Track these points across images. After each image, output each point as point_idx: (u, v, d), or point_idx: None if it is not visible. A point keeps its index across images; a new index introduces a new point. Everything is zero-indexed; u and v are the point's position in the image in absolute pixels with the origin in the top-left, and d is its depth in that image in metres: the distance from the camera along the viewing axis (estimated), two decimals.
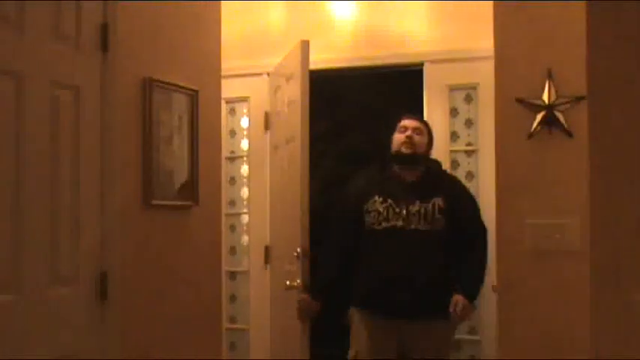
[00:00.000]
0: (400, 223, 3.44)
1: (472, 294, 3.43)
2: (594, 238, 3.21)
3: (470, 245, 3.52)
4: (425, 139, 3.60)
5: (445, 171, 3.82)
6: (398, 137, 3.57)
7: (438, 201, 3.48)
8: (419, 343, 3.43)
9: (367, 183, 3.61)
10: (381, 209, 3.46)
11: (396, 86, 4.57)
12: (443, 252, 3.47)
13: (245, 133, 4.97)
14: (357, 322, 3.52)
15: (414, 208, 3.45)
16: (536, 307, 3.28)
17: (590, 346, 3.15)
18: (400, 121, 3.62)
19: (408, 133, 3.54)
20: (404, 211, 3.45)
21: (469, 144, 4.44)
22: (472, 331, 4.39)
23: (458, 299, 3.35)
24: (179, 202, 3.47)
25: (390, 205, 3.46)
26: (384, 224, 3.46)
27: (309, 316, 3.67)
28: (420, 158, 3.56)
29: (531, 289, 3.29)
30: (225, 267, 4.64)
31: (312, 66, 4.64)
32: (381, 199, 3.48)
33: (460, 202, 3.57)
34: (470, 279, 3.46)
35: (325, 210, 3.97)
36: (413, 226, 3.44)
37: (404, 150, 3.52)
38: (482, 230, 3.59)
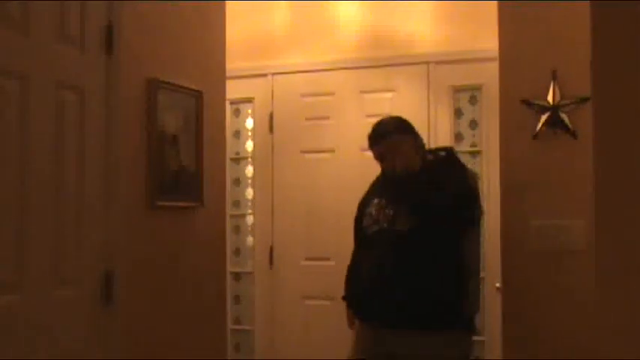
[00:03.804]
0: (385, 224, 3.10)
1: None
2: (599, 239, 3.20)
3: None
4: (409, 147, 3.13)
5: (452, 163, 3.21)
6: (384, 166, 3.19)
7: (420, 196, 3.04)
8: (406, 357, 3.03)
9: (374, 185, 3.36)
10: (373, 212, 3.18)
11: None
12: (424, 255, 3.02)
13: (250, 134, 4.98)
14: (357, 326, 3.32)
15: (400, 206, 3.07)
16: (540, 308, 3.28)
17: (594, 346, 3.15)
18: (371, 147, 3.20)
19: (389, 161, 3.11)
20: (392, 212, 3.09)
21: (474, 145, 4.43)
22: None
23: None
24: (184, 203, 3.47)
25: (383, 206, 3.15)
26: (374, 227, 3.15)
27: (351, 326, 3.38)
28: (416, 170, 3.10)
29: (536, 289, 3.29)
30: (229, 268, 4.64)
31: (316, 67, 4.69)
32: (377, 200, 3.19)
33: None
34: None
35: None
36: (395, 227, 3.06)
37: (399, 174, 3.08)
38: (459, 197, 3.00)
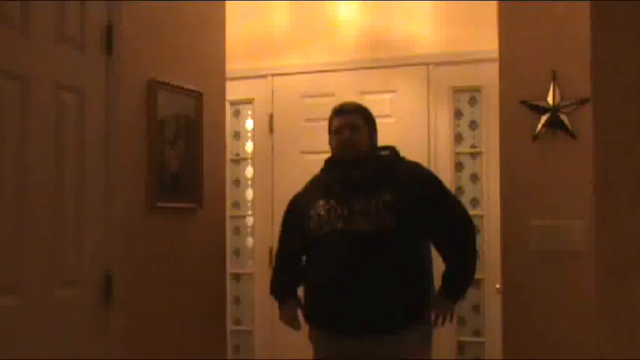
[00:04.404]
0: (341, 224, 3.02)
1: (452, 295, 3.11)
2: (599, 239, 3.20)
3: (448, 240, 3.11)
4: (365, 133, 3.14)
5: (401, 159, 3.21)
6: (334, 140, 3.16)
7: (385, 196, 2.99)
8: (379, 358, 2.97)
9: (314, 186, 3.27)
10: (322, 212, 3.08)
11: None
12: (394, 255, 2.98)
13: (250, 135, 4.97)
14: (312, 334, 3.22)
15: (357, 206, 3.00)
16: (541, 309, 3.28)
17: (595, 347, 3.15)
18: (332, 118, 3.19)
19: (345, 134, 3.10)
20: (345, 212, 3.02)
21: (473, 146, 4.43)
22: (477, 332, 4.38)
23: (436, 301, 3.08)
24: (184, 205, 3.47)
25: (333, 206, 3.06)
26: (325, 228, 3.05)
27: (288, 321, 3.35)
28: (365, 159, 3.11)
29: (536, 290, 3.29)
30: (229, 269, 4.64)
31: (316, 68, 4.69)
32: (323, 201, 3.09)
33: (418, 194, 3.03)
34: (451, 278, 3.07)
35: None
36: (355, 228, 2.99)
37: (346, 156, 3.10)
38: (462, 220, 3.12)
